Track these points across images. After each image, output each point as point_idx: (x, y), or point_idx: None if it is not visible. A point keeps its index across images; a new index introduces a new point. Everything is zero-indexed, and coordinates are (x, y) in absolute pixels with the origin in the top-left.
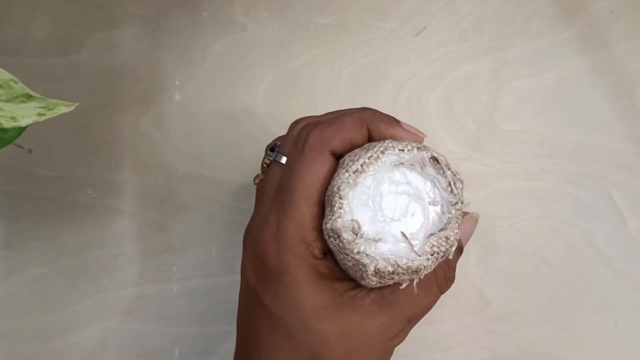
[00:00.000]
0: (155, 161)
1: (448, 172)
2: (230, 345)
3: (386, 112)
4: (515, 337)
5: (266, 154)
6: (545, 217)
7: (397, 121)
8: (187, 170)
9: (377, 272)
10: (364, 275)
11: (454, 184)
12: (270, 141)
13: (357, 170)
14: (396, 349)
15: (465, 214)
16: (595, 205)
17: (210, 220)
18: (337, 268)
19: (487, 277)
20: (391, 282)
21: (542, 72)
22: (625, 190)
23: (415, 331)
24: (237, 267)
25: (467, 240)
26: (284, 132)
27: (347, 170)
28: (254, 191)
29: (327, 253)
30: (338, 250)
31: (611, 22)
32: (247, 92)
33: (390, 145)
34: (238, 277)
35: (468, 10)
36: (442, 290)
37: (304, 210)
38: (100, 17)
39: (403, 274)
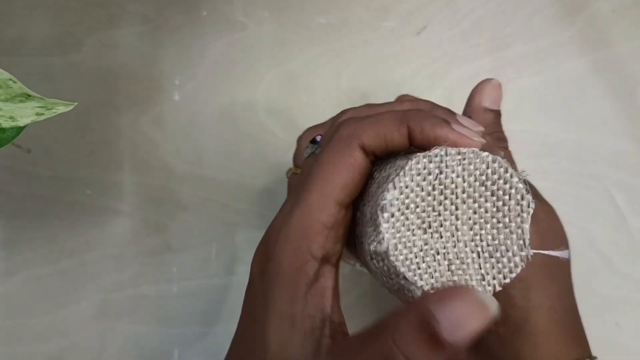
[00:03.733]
0: (154, 161)
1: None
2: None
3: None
4: None
5: (305, 146)
6: None
7: (447, 121)
8: (186, 170)
9: (426, 292)
10: (409, 301)
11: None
12: (269, 141)
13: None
14: None
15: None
16: (596, 205)
17: (209, 221)
18: (328, 283)
19: None
20: None
21: (543, 71)
22: (626, 190)
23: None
24: (237, 267)
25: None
26: (283, 132)
27: (394, 187)
28: (254, 191)
29: (329, 258)
30: (381, 273)
31: (612, 22)
32: (247, 92)
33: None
34: (237, 278)
35: (469, 10)
36: None
37: (314, 198)
38: (99, 16)
39: None
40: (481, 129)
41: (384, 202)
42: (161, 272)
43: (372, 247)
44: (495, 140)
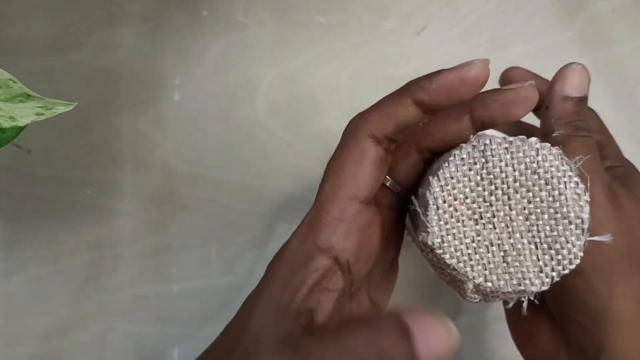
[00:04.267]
0: (154, 161)
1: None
2: None
3: None
4: None
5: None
6: None
7: (442, 70)
8: (186, 170)
9: (477, 289)
10: (462, 292)
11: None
12: (269, 141)
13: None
14: None
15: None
16: None
17: (209, 221)
18: (330, 287)
19: None
20: (497, 300)
21: (543, 71)
22: None
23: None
24: (237, 267)
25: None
26: (284, 132)
27: (439, 178)
28: (254, 191)
29: (334, 253)
30: (432, 263)
31: (612, 22)
32: (247, 92)
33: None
34: (238, 278)
35: (469, 10)
36: None
37: (326, 190)
38: (99, 16)
39: (510, 293)
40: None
41: (430, 193)
42: (161, 272)
43: (421, 238)
44: (573, 129)
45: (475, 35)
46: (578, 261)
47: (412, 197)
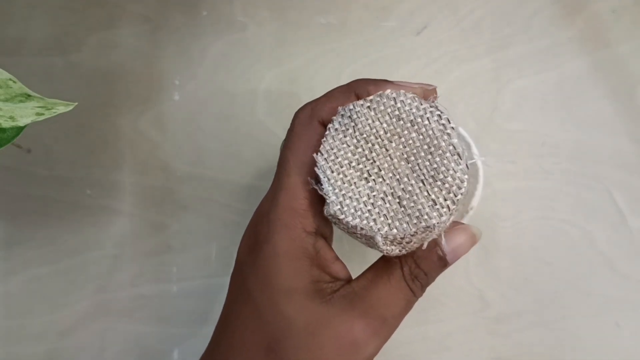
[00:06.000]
0: (154, 161)
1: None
2: None
3: None
4: (516, 338)
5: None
6: (546, 217)
7: (388, 80)
8: (186, 170)
9: (387, 239)
10: (378, 248)
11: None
12: (269, 141)
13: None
14: (396, 349)
15: (457, 224)
16: (597, 205)
17: (209, 221)
18: (328, 255)
19: (488, 277)
20: (415, 246)
21: (543, 71)
22: (627, 190)
23: (415, 331)
24: None
25: (455, 257)
26: (283, 132)
27: (321, 153)
28: (254, 191)
29: (321, 231)
30: (346, 232)
31: (612, 22)
32: (247, 92)
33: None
34: None
35: (469, 10)
36: (413, 290)
37: (295, 179)
38: (99, 16)
39: (416, 233)
40: (429, 85)
41: (318, 168)
42: (161, 272)
43: (326, 212)
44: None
45: (475, 35)
46: (465, 184)
47: (308, 178)
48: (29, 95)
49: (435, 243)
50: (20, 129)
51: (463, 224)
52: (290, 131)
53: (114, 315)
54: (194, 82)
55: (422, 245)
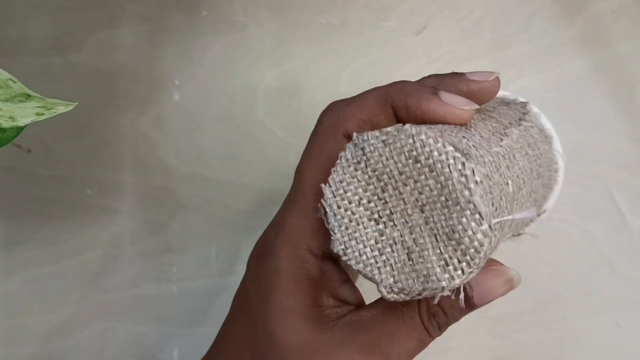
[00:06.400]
0: (154, 161)
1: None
2: None
3: None
4: (516, 338)
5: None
6: (546, 217)
7: (434, 92)
8: (186, 170)
9: (392, 289)
10: (380, 291)
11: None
12: (269, 141)
13: None
14: None
15: (492, 263)
16: (597, 205)
17: (209, 221)
18: (336, 279)
19: None
20: (421, 297)
21: (543, 71)
22: (627, 190)
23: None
24: (237, 267)
25: (484, 301)
26: (284, 132)
27: (329, 185)
28: (254, 191)
29: (329, 256)
30: (348, 266)
31: (612, 22)
32: (247, 92)
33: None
34: (237, 278)
35: (469, 10)
36: (428, 330)
37: (309, 197)
38: (99, 16)
39: (424, 290)
40: (474, 105)
41: (324, 201)
42: (161, 272)
43: (331, 247)
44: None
45: (475, 35)
46: (485, 248)
47: (319, 206)
48: (29, 95)
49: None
50: (20, 129)
51: (498, 264)
52: (313, 138)
53: (114, 315)
54: (194, 82)
55: (432, 298)
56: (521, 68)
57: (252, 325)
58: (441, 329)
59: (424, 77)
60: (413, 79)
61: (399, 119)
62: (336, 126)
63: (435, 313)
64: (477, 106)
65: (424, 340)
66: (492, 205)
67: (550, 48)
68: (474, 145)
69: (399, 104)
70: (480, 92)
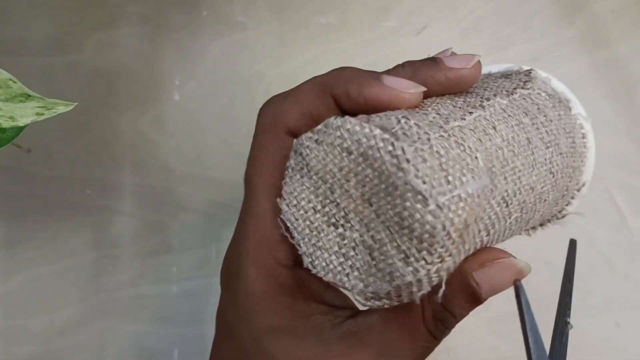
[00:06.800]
0: (154, 161)
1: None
2: None
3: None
4: (517, 338)
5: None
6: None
7: (377, 77)
8: (186, 170)
9: (366, 295)
10: (356, 300)
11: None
12: None
13: None
14: None
15: (497, 253)
16: (596, 205)
17: (209, 221)
18: (318, 284)
19: None
20: (400, 300)
21: (543, 71)
22: (627, 190)
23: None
24: None
25: (490, 292)
26: None
27: (283, 198)
28: None
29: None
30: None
31: (612, 22)
32: (247, 92)
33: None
34: None
35: (469, 10)
36: (435, 335)
37: (263, 206)
38: (99, 16)
39: (399, 289)
40: (421, 88)
41: (282, 214)
42: (161, 272)
43: (302, 261)
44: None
45: (475, 35)
46: (439, 232)
47: (279, 220)
48: (29, 95)
49: (462, 277)
50: (20, 129)
51: (505, 254)
52: (254, 138)
53: (114, 316)
54: (194, 82)
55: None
56: None
57: (242, 352)
58: (448, 330)
59: (398, 66)
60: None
61: (342, 108)
62: (275, 122)
63: (442, 318)
64: (423, 88)
65: (431, 345)
66: (448, 183)
67: (551, 48)
68: (416, 124)
69: (338, 92)
70: (459, 80)
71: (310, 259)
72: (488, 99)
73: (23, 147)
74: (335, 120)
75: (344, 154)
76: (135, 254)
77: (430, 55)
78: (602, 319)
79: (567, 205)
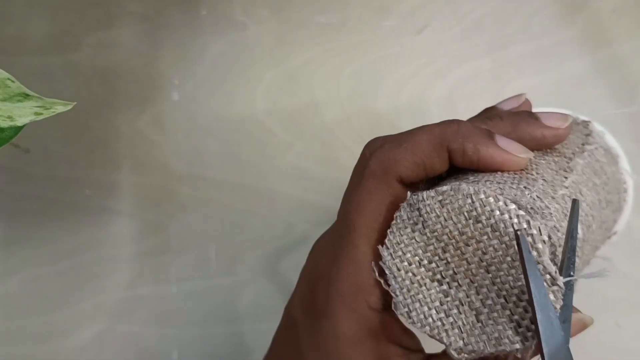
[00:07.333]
0: (153, 161)
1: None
2: (229, 347)
3: (386, 112)
4: None
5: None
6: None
7: (491, 136)
8: (185, 170)
9: (462, 351)
10: (449, 353)
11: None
12: (269, 141)
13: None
14: None
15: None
16: None
17: (209, 221)
18: (397, 327)
19: None
20: (492, 354)
21: (543, 71)
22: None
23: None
24: (236, 268)
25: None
26: (283, 132)
27: (387, 247)
28: (254, 191)
29: (388, 305)
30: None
31: (613, 21)
32: (247, 92)
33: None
34: (237, 278)
35: (469, 9)
36: None
37: (363, 250)
38: (98, 15)
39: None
40: (531, 154)
41: (383, 263)
42: (160, 272)
43: (392, 307)
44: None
45: (476, 34)
46: (559, 305)
47: (372, 264)
48: (28, 95)
49: None
50: (18, 129)
51: (574, 310)
52: (359, 181)
53: (112, 316)
54: (194, 82)
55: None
56: (522, 68)
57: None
58: None
59: (496, 117)
60: (413, 79)
61: (453, 162)
62: (387, 170)
63: None
64: (532, 154)
65: None
66: (563, 260)
67: (551, 48)
68: (537, 196)
69: (455, 148)
70: (554, 139)
71: (407, 309)
72: (570, 159)
73: (21, 147)
74: (466, 187)
75: (471, 221)
76: (134, 254)
77: (507, 98)
78: (602, 319)
79: (602, 244)
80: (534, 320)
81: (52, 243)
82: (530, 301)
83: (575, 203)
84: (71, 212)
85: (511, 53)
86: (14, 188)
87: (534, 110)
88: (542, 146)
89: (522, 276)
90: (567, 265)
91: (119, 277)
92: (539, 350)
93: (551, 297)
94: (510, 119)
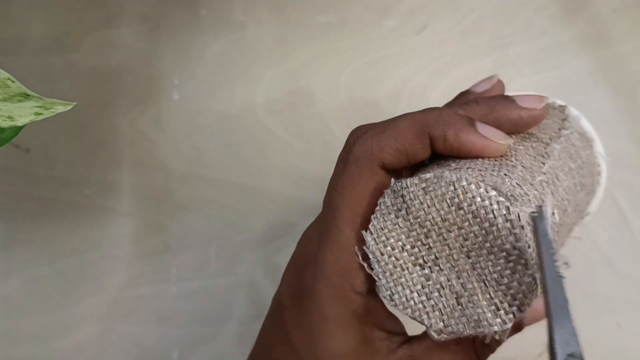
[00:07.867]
0: (153, 161)
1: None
2: (229, 347)
3: (387, 112)
4: (517, 339)
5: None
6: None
7: (472, 123)
8: (185, 170)
9: (441, 332)
10: (429, 334)
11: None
12: (269, 141)
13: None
14: None
15: None
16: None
17: (209, 221)
18: (381, 311)
19: None
20: (471, 336)
21: (544, 71)
22: (628, 190)
23: (415, 332)
24: (236, 268)
25: (531, 321)
26: (283, 131)
27: (370, 232)
28: (254, 191)
29: (373, 290)
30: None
31: (613, 21)
32: (247, 91)
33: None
34: (237, 278)
35: (470, 9)
36: (481, 358)
37: (347, 234)
38: (98, 15)
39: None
40: (510, 140)
41: (367, 248)
42: (160, 272)
43: (376, 291)
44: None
45: (476, 34)
46: (535, 292)
47: (355, 249)
48: (28, 95)
49: None
50: (18, 129)
51: None
52: (344, 167)
53: (112, 316)
54: (194, 82)
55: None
56: (522, 67)
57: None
58: (491, 353)
59: (472, 101)
60: (413, 79)
61: (435, 149)
62: (370, 156)
63: (490, 344)
64: (512, 140)
65: None
66: (532, 256)
67: (551, 47)
68: (517, 183)
69: (436, 134)
70: (531, 120)
71: (389, 292)
72: (547, 144)
73: (22, 147)
74: (449, 174)
75: (453, 208)
76: (134, 254)
77: (481, 79)
78: (603, 320)
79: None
80: (546, 307)
81: (52, 243)
82: (542, 279)
83: (535, 219)
84: (71, 212)
85: (511, 53)
86: (14, 188)
87: (509, 94)
88: (520, 128)
89: (500, 261)
90: (549, 261)
91: (119, 277)
92: (548, 335)
93: (526, 279)
94: (487, 102)
